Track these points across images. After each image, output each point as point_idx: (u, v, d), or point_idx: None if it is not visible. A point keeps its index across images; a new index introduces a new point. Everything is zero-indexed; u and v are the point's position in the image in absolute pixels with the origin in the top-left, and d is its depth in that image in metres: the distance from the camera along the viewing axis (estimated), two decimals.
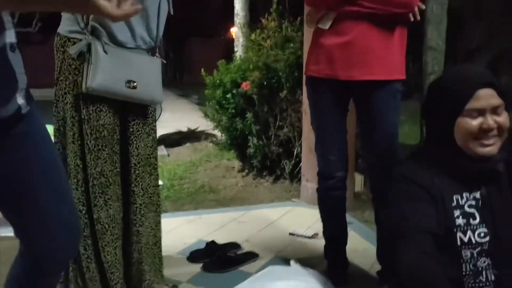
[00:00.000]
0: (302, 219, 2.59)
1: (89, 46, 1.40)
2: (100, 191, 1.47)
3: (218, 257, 1.99)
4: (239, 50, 3.88)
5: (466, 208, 1.15)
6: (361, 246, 2.22)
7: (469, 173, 1.17)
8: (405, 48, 1.66)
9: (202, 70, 3.51)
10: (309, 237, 2.32)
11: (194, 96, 9.92)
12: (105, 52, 1.40)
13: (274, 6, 3.30)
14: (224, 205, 3.07)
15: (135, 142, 1.54)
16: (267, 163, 3.43)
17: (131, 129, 1.53)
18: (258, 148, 3.31)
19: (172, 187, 3.40)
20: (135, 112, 1.53)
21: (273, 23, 3.43)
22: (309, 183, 2.91)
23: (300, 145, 3.14)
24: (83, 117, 1.45)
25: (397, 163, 1.68)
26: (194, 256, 2.07)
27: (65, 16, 1.47)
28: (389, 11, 1.54)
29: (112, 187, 1.48)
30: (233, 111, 3.30)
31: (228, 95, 3.26)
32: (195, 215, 2.71)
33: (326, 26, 1.62)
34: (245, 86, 3.04)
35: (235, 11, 4.01)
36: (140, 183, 1.55)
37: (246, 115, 3.24)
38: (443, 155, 1.20)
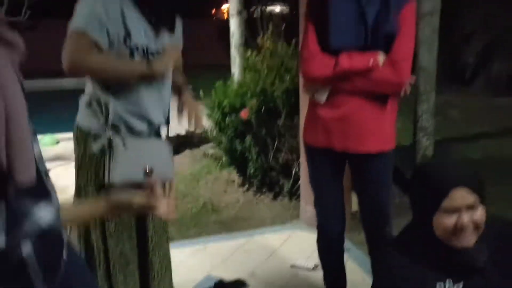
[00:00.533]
0: (303, 246, 2.74)
1: (109, 141, 1.51)
2: (120, 269, 1.60)
3: None
4: (236, 72, 3.95)
5: None
6: (359, 277, 2.37)
7: (448, 264, 1.24)
8: (396, 117, 1.76)
9: (201, 92, 3.59)
10: (310, 269, 2.48)
11: (188, 85, 9.92)
12: (125, 146, 1.51)
13: (270, 28, 3.36)
14: (227, 227, 3.21)
15: (150, 214, 1.66)
16: (266, 180, 3.57)
17: None
18: (258, 168, 3.44)
19: (176, 208, 3.52)
20: None
21: (268, 43, 3.50)
22: (308, 206, 3.05)
23: (299, 165, 3.26)
24: None
25: (388, 227, 1.83)
26: None
27: (83, 109, 1.57)
28: (381, 89, 1.64)
29: (131, 264, 1.61)
30: (233, 134, 3.41)
31: (227, 119, 3.36)
32: (201, 244, 2.85)
33: (322, 99, 1.71)
34: (244, 114, 3.14)
35: (231, 32, 4.06)
36: (157, 252, 1.68)
37: (245, 138, 3.35)
38: (424, 243, 1.27)
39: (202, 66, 9.78)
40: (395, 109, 1.75)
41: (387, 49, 1.63)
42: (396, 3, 1.61)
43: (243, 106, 3.31)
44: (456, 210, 1.21)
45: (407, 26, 1.63)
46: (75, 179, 1.59)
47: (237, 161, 3.57)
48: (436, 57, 3.28)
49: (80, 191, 1.59)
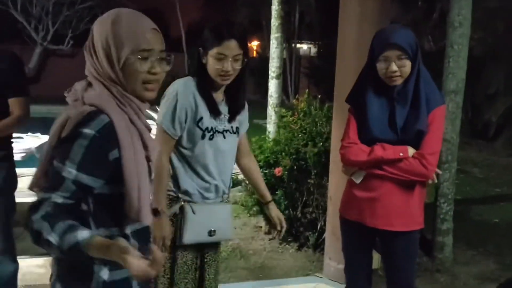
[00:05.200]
0: None
1: (181, 208, 1.83)
2: None
3: None
4: (271, 130, 4.28)
5: None
6: None
7: None
8: (424, 199, 2.01)
9: None
10: None
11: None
12: (193, 212, 1.82)
13: (306, 93, 3.68)
14: (254, 274, 3.45)
15: (207, 269, 1.95)
16: (292, 231, 3.81)
17: (205, 260, 1.95)
18: (285, 219, 3.68)
19: None
20: (210, 246, 1.95)
21: (303, 105, 3.82)
22: (332, 262, 3.28)
23: (324, 220, 3.50)
24: (173, 256, 1.87)
25: None
26: None
27: None
28: (409, 178, 1.90)
29: None
30: None
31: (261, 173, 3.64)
32: None
33: (358, 181, 1.99)
34: (278, 172, 3.43)
35: (269, 93, 4.42)
36: None
37: (277, 192, 3.62)
38: None
39: None
40: (423, 194, 1.99)
41: (418, 143, 1.90)
42: (427, 105, 1.89)
43: (276, 162, 3.60)
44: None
45: (436, 125, 1.90)
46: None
47: None
48: (459, 131, 3.52)
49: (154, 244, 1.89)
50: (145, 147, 1.22)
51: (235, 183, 5.32)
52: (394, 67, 1.85)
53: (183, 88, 1.83)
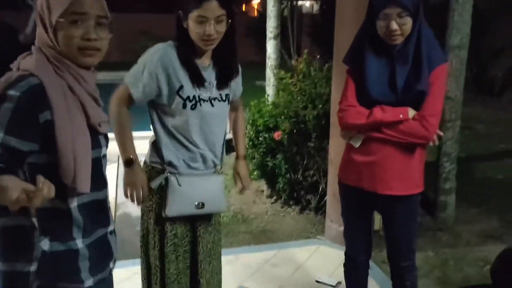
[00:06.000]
0: (327, 262, 2.97)
1: (166, 179, 1.76)
2: (174, 285, 1.85)
3: None
4: (270, 93, 4.17)
5: None
6: None
7: None
8: (424, 161, 1.96)
9: None
10: (333, 286, 2.70)
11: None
12: (179, 184, 1.75)
13: (305, 53, 3.56)
14: (256, 238, 3.46)
15: (201, 242, 1.90)
16: (294, 195, 3.79)
17: (198, 233, 1.89)
18: (286, 183, 3.66)
19: None
20: (202, 218, 1.89)
21: (302, 65, 3.71)
22: (333, 224, 3.27)
23: (326, 183, 3.47)
24: (161, 228, 1.82)
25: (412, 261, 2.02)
26: None
27: (150, 147, 1.84)
28: (409, 141, 1.84)
29: (183, 279, 1.86)
30: (265, 150, 3.64)
31: (261, 138, 3.59)
32: (233, 254, 3.10)
33: (357, 144, 1.93)
34: (277, 136, 3.36)
35: (267, 54, 4.27)
36: (205, 275, 1.92)
37: (277, 156, 3.57)
38: None
39: None
40: (423, 156, 1.93)
41: (418, 105, 1.83)
42: (428, 64, 1.80)
43: (276, 125, 3.53)
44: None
45: (437, 84, 1.82)
46: (141, 206, 1.86)
47: (267, 175, 3.80)
48: (463, 88, 3.42)
49: (143, 215, 1.85)
50: (87, 116, 1.19)
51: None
52: (394, 25, 1.75)
53: (160, 55, 1.72)
